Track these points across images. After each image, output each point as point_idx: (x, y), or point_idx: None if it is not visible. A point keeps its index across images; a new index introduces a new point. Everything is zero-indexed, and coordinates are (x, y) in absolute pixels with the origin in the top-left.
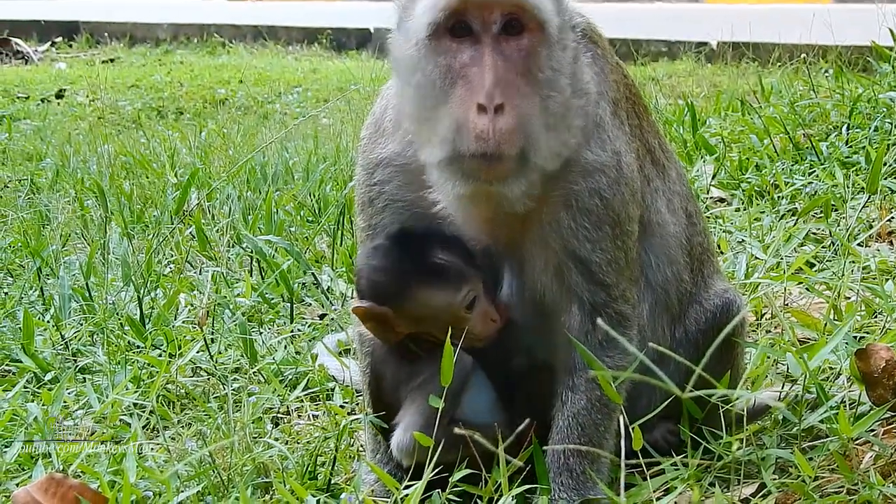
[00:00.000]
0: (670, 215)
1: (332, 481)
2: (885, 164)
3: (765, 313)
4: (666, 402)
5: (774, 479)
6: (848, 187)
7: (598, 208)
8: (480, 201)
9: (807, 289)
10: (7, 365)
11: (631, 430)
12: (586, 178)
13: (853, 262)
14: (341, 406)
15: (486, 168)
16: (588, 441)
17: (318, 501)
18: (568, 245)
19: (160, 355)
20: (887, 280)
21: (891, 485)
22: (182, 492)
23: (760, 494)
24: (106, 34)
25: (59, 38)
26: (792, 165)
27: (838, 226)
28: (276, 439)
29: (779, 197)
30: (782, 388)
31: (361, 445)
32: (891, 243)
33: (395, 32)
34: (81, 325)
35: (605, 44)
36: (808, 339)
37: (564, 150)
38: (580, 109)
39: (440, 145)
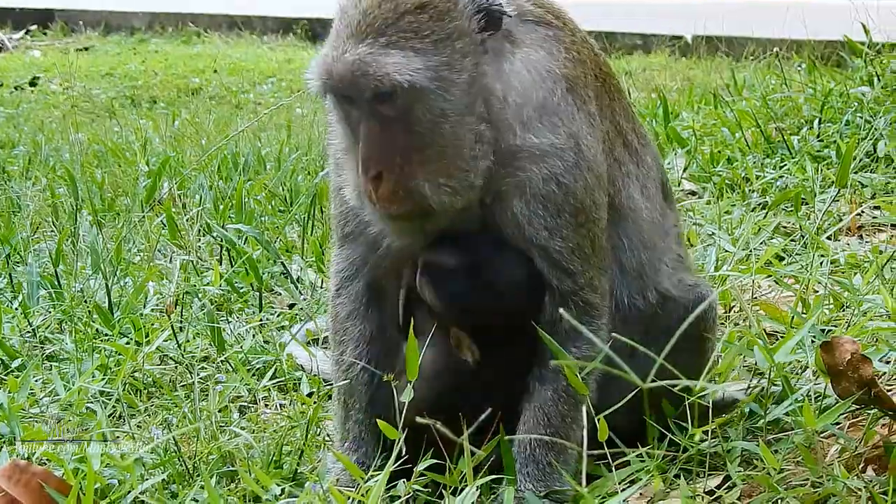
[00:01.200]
0: (644, 201)
1: (298, 471)
2: (855, 159)
3: (733, 306)
4: (633, 393)
5: (739, 472)
6: (818, 181)
7: (555, 195)
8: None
9: (775, 282)
10: None
11: (597, 420)
12: (538, 164)
13: (822, 255)
14: (308, 395)
15: (388, 215)
16: (554, 432)
17: (283, 490)
18: (525, 233)
19: (128, 343)
20: (855, 274)
21: (855, 478)
22: (147, 479)
23: (725, 486)
24: (81, 22)
25: (34, 26)
26: (763, 159)
27: (808, 219)
28: (243, 428)
29: (750, 190)
30: (749, 381)
31: (328, 435)
32: (860, 237)
33: None
34: (49, 312)
35: (565, 23)
36: (777, 331)
37: (474, 180)
38: (483, 128)
39: (350, 190)
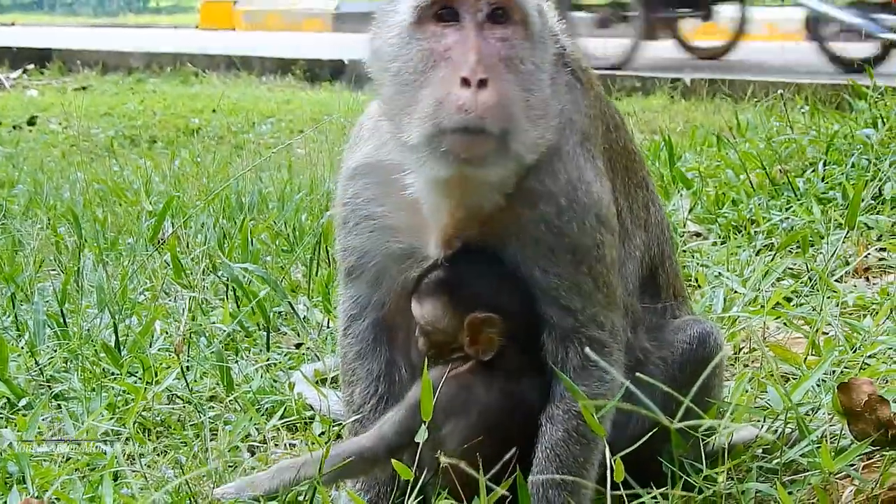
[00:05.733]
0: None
1: None
2: (861, 201)
3: (742, 347)
4: (651, 432)
5: None
6: (825, 223)
7: (547, 236)
8: (455, 187)
9: (784, 323)
10: None
11: (613, 461)
12: (533, 209)
13: (830, 297)
14: (320, 435)
15: (468, 144)
16: (567, 472)
17: None
18: (524, 271)
19: (136, 382)
20: (865, 316)
21: None
22: None
23: None
24: (78, 62)
25: (31, 65)
26: (768, 201)
27: (815, 261)
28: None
29: (755, 232)
30: (764, 421)
31: None
32: (867, 279)
33: (376, 31)
34: (56, 351)
35: (590, 78)
36: (787, 373)
37: (541, 145)
38: (554, 114)
39: (420, 123)
